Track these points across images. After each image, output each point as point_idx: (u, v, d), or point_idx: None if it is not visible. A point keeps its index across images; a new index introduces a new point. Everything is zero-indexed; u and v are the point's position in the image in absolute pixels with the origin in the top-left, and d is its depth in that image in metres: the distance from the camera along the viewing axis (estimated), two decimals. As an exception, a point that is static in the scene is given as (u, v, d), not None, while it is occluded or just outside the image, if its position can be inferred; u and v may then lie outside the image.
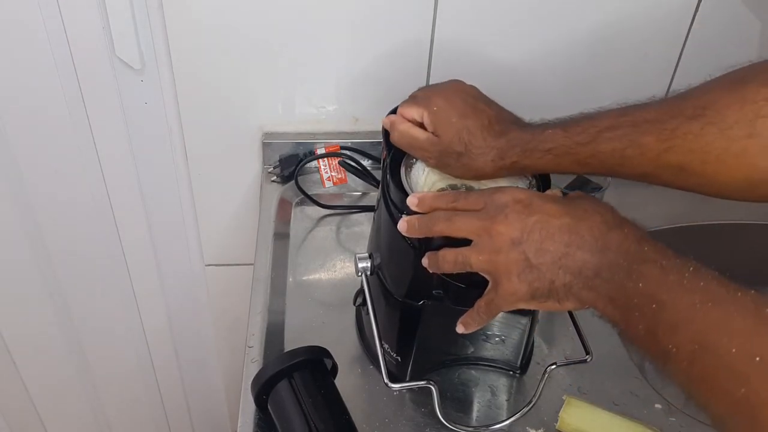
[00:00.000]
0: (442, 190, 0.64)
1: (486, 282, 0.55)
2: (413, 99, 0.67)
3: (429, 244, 0.57)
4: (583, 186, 0.80)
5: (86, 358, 1.26)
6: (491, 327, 0.71)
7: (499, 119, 0.63)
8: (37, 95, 0.90)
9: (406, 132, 0.65)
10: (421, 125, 0.65)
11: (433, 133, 0.63)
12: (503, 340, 0.71)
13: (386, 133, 0.67)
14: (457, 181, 0.65)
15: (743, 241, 0.96)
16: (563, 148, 0.58)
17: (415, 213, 0.57)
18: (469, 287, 0.57)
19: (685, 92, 0.58)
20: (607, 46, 0.91)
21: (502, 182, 0.63)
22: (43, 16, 0.83)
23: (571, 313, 0.70)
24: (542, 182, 0.63)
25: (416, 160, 0.65)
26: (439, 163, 0.63)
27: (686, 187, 0.60)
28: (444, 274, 0.57)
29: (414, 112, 0.65)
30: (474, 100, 0.64)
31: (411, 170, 0.64)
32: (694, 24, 0.91)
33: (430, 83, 0.93)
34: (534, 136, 0.60)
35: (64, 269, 1.11)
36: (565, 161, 0.59)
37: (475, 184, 0.64)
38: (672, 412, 0.70)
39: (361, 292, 0.69)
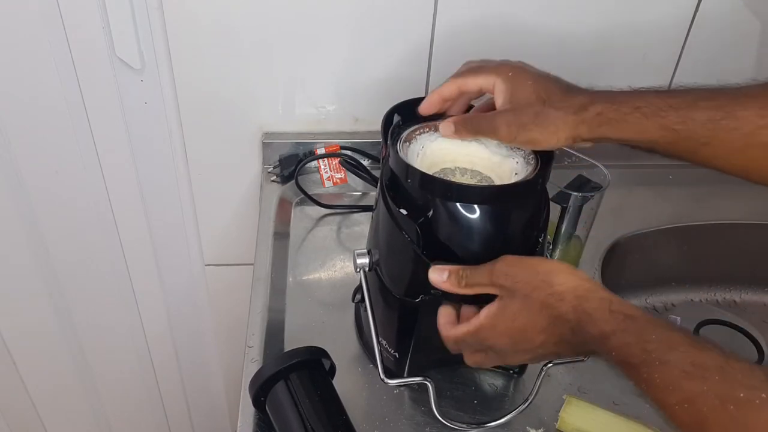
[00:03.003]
0: (437, 174, 0.63)
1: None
2: (479, 69, 0.64)
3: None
4: (582, 186, 0.80)
5: (86, 358, 1.26)
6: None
7: (574, 85, 0.61)
8: (37, 95, 0.90)
9: (468, 119, 0.62)
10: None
11: (504, 102, 0.61)
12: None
13: (386, 133, 0.67)
14: (450, 165, 0.64)
15: (743, 241, 0.96)
16: (654, 107, 0.56)
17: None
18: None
19: None
20: (607, 48, 0.91)
21: (505, 165, 0.62)
22: (44, 17, 0.83)
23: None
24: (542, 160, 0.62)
25: (412, 141, 0.64)
26: (516, 124, 0.59)
27: None
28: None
29: (483, 81, 0.62)
30: (543, 72, 0.62)
31: (407, 151, 0.63)
32: (694, 24, 0.91)
33: (431, 83, 0.93)
34: (621, 93, 0.58)
35: (64, 269, 1.11)
36: (652, 124, 0.57)
37: (469, 167, 0.64)
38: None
39: (359, 289, 0.69)
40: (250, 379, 0.64)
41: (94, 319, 1.20)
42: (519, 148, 0.63)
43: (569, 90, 0.60)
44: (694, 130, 0.56)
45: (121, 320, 1.20)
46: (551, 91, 0.60)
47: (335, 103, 0.95)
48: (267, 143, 0.96)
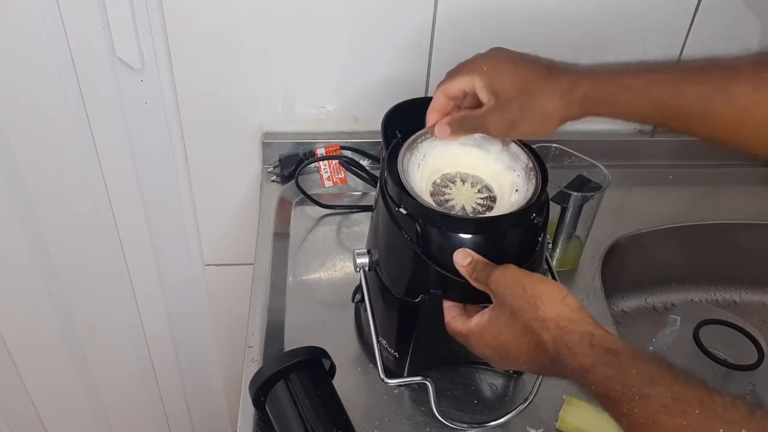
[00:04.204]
0: (437, 184, 0.64)
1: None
2: (455, 73, 0.64)
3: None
4: (582, 186, 0.80)
5: (86, 358, 1.26)
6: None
7: (556, 63, 0.60)
8: (37, 95, 0.90)
9: (460, 118, 0.62)
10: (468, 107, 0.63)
11: (488, 95, 0.60)
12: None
13: (385, 132, 0.67)
14: (452, 170, 0.64)
15: (743, 241, 0.96)
16: (644, 84, 0.55)
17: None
18: (467, 283, 0.57)
19: None
20: (606, 49, 0.91)
21: (503, 174, 0.62)
22: (43, 16, 0.83)
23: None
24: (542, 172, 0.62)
25: (413, 151, 0.64)
26: (504, 123, 0.59)
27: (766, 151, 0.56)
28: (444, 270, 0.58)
29: (462, 83, 0.62)
30: (521, 56, 0.61)
31: (408, 162, 0.63)
32: (693, 24, 0.91)
33: (430, 83, 0.93)
34: (609, 69, 0.57)
35: (64, 269, 1.11)
36: (643, 101, 0.56)
37: (471, 172, 0.64)
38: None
39: (359, 288, 0.69)
40: (250, 379, 0.64)
41: (94, 319, 1.20)
42: (520, 159, 0.63)
43: (550, 72, 0.59)
44: (686, 105, 0.55)
45: (121, 320, 1.20)
46: (531, 79, 0.59)
47: (335, 103, 0.95)
48: (267, 143, 0.96)
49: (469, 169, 0.65)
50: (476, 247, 0.57)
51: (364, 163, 0.96)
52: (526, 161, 0.62)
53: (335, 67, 0.91)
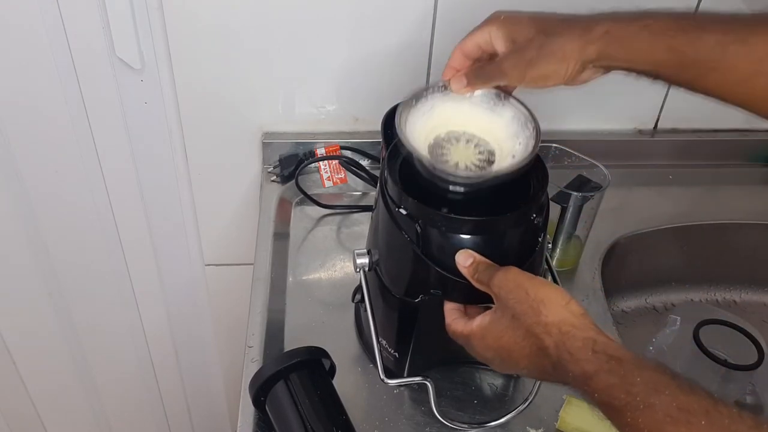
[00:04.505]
0: (439, 138, 0.62)
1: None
2: (470, 33, 0.62)
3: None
4: (582, 186, 0.80)
5: (86, 358, 1.26)
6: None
7: (571, 16, 0.59)
8: (37, 95, 0.90)
9: (477, 68, 0.61)
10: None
11: (506, 44, 0.59)
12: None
13: (385, 132, 0.67)
14: (459, 128, 0.63)
15: (743, 241, 0.96)
16: (662, 26, 0.55)
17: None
18: (467, 283, 0.57)
19: None
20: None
21: (501, 127, 0.61)
22: (43, 17, 0.83)
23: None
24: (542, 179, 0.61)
25: (421, 100, 0.62)
26: (521, 63, 0.58)
27: None
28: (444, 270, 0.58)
29: (478, 38, 0.61)
30: (535, 12, 0.61)
31: (407, 119, 0.62)
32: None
33: (431, 83, 0.93)
34: (627, 12, 0.57)
35: (64, 269, 1.11)
36: (660, 45, 0.55)
37: (478, 134, 0.63)
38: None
39: (359, 288, 0.69)
40: (250, 379, 0.64)
41: (94, 319, 1.20)
42: (527, 129, 0.61)
43: (569, 18, 0.59)
44: (703, 53, 0.54)
45: (121, 320, 1.20)
46: (550, 21, 0.58)
47: (335, 103, 0.95)
48: (267, 143, 0.96)
49: (478, 131, 0.63)
50: (476, 248, 0.57)
51: (364, 163, 0.96)
52: (532, 129, 0.61)
53: (335, 67, 0.91)
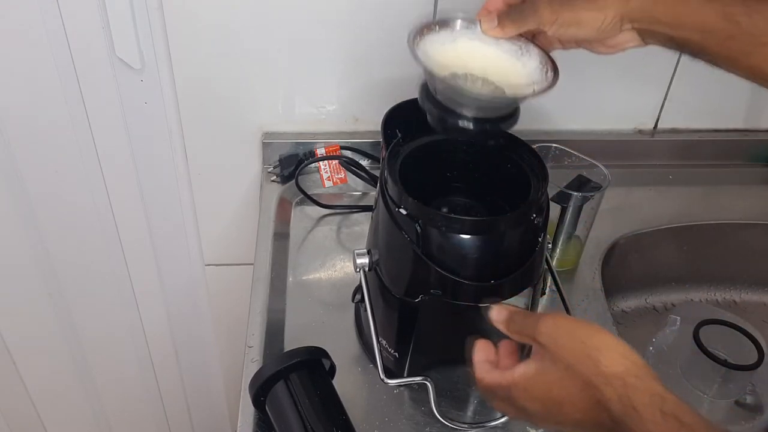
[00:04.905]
0: (455, 74, 0.59)
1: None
2: None
3: None
4: (582, 186, 0.80)
5: (86, 358, 1.26)
6: (491, 326, 0.71)
7: None
8: (37, 95, 0.90)
9: (511, 8, 0.58)
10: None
11: None
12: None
13: (385, 132, 0.66)
14: (478, 71, 0.59)
15: (743, 241, 0.96)
16: None
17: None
18: (467, 283, 0.57)
19: None
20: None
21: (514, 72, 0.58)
22: (43, 16, 0.83)
23: (569, 313, 0.70)
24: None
25: (444, 28, 0.60)
26: (557, 3, 0.55)
27: None
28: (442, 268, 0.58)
29: None
30: None
31: (422, 41, 0.59)
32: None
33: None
34: None
35: (64, 269, 1.11)
36: (713, 11, 0.51)
37: (496, 80, 0.59)
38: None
39: (359, 288, 0.69)
40: (250, 379, 0.64)
41: (94, 319, 1.20)
42: (546, 78, 0.58)
43: None
44: (758, 25, 0.50)
45: (121, 320, 1.20)
46: None
47: (335, 103, 0.95)
48: (267, 143, 0.96)
49: (497, 77, 0.60)
50: (476, 248, 0.57)
51: (364, 163, 0.96)
52: (551, 76, 0.59)
53: (335, 67, 0.91)
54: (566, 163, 0.82)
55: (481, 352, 0.55)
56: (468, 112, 0.57)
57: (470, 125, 0.57)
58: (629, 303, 0.97)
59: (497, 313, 0.54)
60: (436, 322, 0.61)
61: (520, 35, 0.61)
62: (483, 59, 0.60)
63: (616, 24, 0.55)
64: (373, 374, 0.71)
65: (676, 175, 1.01)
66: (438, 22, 0.59)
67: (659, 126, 1.02)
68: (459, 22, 0.60)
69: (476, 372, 0.54)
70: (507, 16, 0.59)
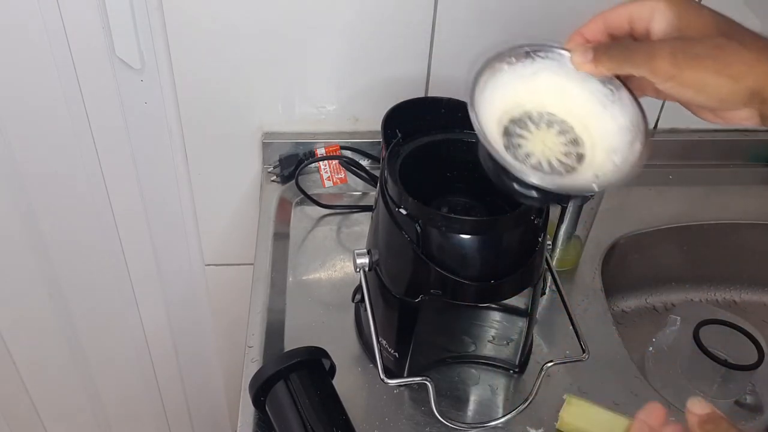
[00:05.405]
0: (514, 120, 0.50)
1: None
2: (626, 2, 0.48)
3: None
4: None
5: (86, 358, 1.26)
6: (490, 326, 0.71)
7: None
8: (37, 95, 0.90)
9: (615, 45, 0.48)
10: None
11: (669, 28, 0.46)
12: (505, 342, 0.71)
13: (385, 132, 0.66)
14: (558, 113, 0.51)
15: (743, 241, 0.96)
16: None
17: None
18: (467, 283, 0.57)
19: None
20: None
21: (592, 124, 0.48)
22: (43, 16, 0.83)
23: (569, 313, 0.70)
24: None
25: (524, 60, 0.50)
26: (684, 58, 0.44)
27: None
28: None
29: (635, 10, 0.47)
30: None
31: (500, 69, 0.50)
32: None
33: (431, 83, 0.93)
34: None
35: (63, 269, 1.11)
36: None
37: (576, 126, 0.50)
38: (672, 412, 0.70)
39: (359, 288, 0.69)
40: (250, 379, 0.64)
41: (94, 319, 1.20)
42: (631, 143, 0.48)
43: (758, 33, 0.46)
44: None
45: (121, 320, 1.20)
46: (736, 26, 0.46)
47: (335, 103, 0.95)
48: (267, 143, 0.96)
49: (577, 124, 0.50)
50: (476, 248, 0.57)
51: (364, 163, 0.96)
52: (639, 147, 0.48)
53: (335, 67, 0.91)
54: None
55: (650, 414, 0.49)
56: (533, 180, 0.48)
57: (535, 196, 0.49)
58: (629, 303, 0.97)
59: (700, 408, 0.46)
60: (436, 322, 0.61)
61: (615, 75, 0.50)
62: (564, 98, 0.51)
63: (743, 98, 0.46)
64: (373, 374, 0.71)
65: (676, 175, 1.01)
66: (513, 52, 0.50)
67: (659, 126, 1.02)
68: (542, 51, 0.51)
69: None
70: (606, 51, 0.48)
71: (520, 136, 0.50)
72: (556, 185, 0.47)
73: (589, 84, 0.50)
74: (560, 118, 0.51)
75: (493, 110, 0.48)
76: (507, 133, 0.49)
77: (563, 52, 0.50)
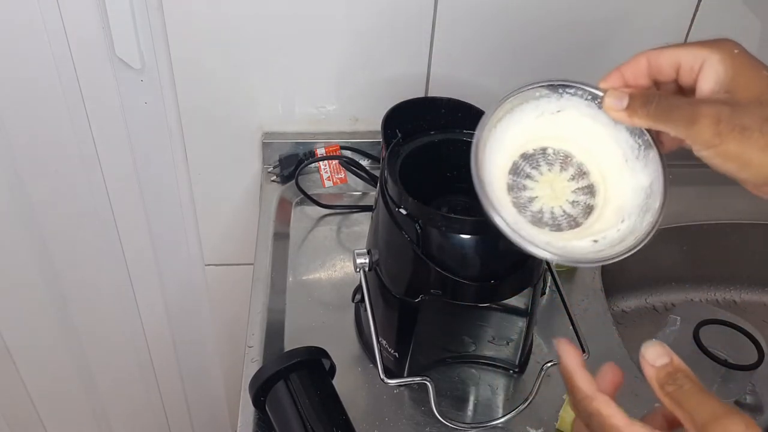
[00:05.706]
0: (526, 156, 0.46)
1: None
2: (676, 46, 0.43)
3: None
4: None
5: (86, 359, 1.26)
6: (490, 326, 0.71)
7: None
8: (37, 95, 0.90)
9: (656, 95, 0.42)
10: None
11: (718, 86, 0.42)
12: (505, 342, 0.71)
13: (385, 132, 0.66)
14: (576, 156, 0.46)
15: (743, 241, 0.96)
16: None
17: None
18: (467, 283, 0.57)
19: None
20: (605, 47, 0.91)
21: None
22: (43, 16, 0.83)
23: (569, 313, 0.70)
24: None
25: (543, 96, 0.46)
26: (726, 125, 0.40)
27: None
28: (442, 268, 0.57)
29: (684, 56, 0.42)
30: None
31: (519, 102, 0.46)
32: (693, 24, 0.91)
33: (430, 83, 0.93)
34: None
35: (64, 269, 1.11)
36: None
37: (595, 174, 0.46)
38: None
39: (359, 288, 0.69)
40: (250, 379, 0.64)
41: (94, 319, 1.20)
42: (643, 212, 0.45)
43: None
44: None
45: (121, 320, 1.20)
46: None
47: (335, 103, 0.95)
48: (267, 143, 0.96)
49: (594, 170, 0.46)
50: (476, 248, 0.57)
51: (364, 163, 0.96)
52: (655, 211, 0.45)
53: (335, 67, 0.91)
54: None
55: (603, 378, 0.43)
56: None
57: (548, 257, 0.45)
58: (629, 303, 0.97)
59: (656, 355, 0.41)
60: (436, 322, 0.61)
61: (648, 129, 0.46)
62: (586, 141, 0.46)
63: None
64: (373, 374, 0.71)
65: (676, 175, 1.01)
66: (536, 87, 0.45)
67: (659, 126, 1.01)
68: (570, 90, 0.46)
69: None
70: (644, 102, 0.43)
71: (529, 176, 0.47)
72: (547, 251, 0.43)
73: (617, 132, 0.46)
74: (578, 160, 0.47)
75: (503, 146, 0.45)
76: (515, 170, 0.46)
77: (596, 91, 0.46)
